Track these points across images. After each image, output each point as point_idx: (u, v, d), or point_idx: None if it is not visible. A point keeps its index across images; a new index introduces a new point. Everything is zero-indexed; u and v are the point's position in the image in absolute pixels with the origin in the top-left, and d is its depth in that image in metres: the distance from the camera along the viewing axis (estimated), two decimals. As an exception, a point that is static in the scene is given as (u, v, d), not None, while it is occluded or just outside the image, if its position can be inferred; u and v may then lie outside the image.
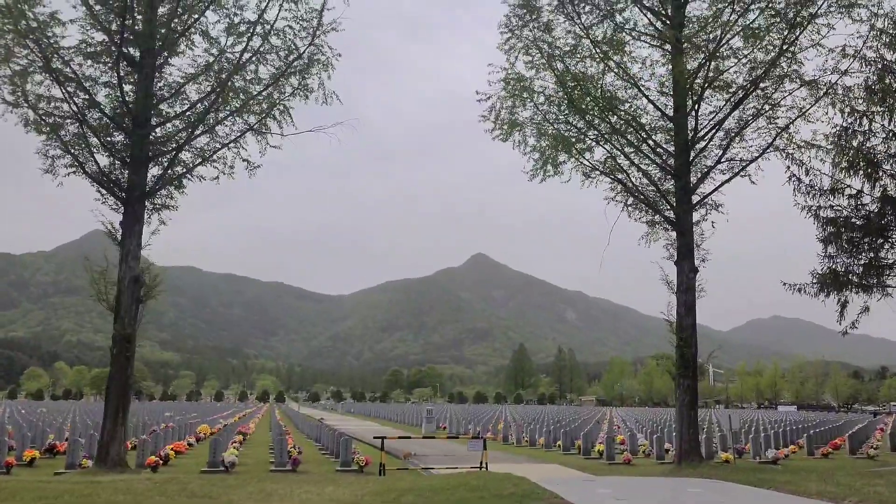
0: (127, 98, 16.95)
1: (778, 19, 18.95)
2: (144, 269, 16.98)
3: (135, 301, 16.68)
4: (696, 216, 20.52)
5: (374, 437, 27.66)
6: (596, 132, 20.66)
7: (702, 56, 19.90)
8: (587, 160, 20.90)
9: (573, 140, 20.70)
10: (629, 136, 20.52)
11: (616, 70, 20.41)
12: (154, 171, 18.08)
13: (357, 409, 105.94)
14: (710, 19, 19.86)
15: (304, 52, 18.73)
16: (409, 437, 23.99)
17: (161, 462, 20.62)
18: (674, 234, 20.24)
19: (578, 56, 20.44)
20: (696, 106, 20.11)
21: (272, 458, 22.72)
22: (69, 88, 16.25)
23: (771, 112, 19.93)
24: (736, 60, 19.87)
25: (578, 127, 20.68)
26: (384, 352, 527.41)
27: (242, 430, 33.87)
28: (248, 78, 18.73)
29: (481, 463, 18.34)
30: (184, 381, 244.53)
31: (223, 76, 18.05)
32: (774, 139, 19.89)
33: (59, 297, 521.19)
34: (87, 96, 16.63)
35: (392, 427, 53.84)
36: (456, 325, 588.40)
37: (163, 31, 17.32)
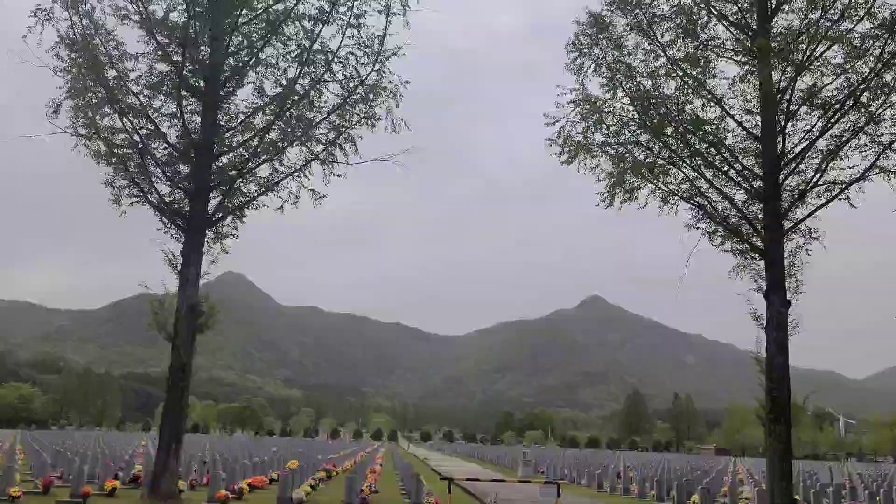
0: (189, 128, 17.28)
1: (878, 26, 17.13)
2: (203, 299, 17.01)
3: (191, 331, 16.72)
4: (789, 245, 18.64)
5: (467, 479, 26.74)
6: (674, 155, 19.26)
7: (792, 69, 18.25)
8: (664, 184, 19.49)
9: (649, 163, 19.40)
10: (711, 158, 18.99)
11: (697, 89, 19.05)
12: (216, 201, 18.29)
13: (463, 449, 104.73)
14: (801, 30, 18.24)
15: (365, 78, 18.57)
16: (504, 481, 22.82)
17: (232, 496, 20.55)
18: (762, 263, 18.42)
19: (656, 76, 19.27)
20: (786, 123, 18.39)
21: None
22: (132, 119, 16.71)
23: (873, 128, 17.93)
24: (830, 73, 18.07)
25: (653, 149, 19.38)
26: (498, 393, 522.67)
27: (328, 468, 33.65)
28: (312, 105, 18.72)
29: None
30: (302, 417, 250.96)
31: (286, 105, 18.09)
32: (878, 158, 17.85)
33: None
34: (152, 127, 17.05)
35: (492, 469, 52.57)
36: (570, 367, 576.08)
37: (227, 61, 17.61)
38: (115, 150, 16.80)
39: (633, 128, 19.38)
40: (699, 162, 19.06)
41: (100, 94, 16.58)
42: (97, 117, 16.80)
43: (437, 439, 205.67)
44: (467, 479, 26.26)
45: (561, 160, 19.39)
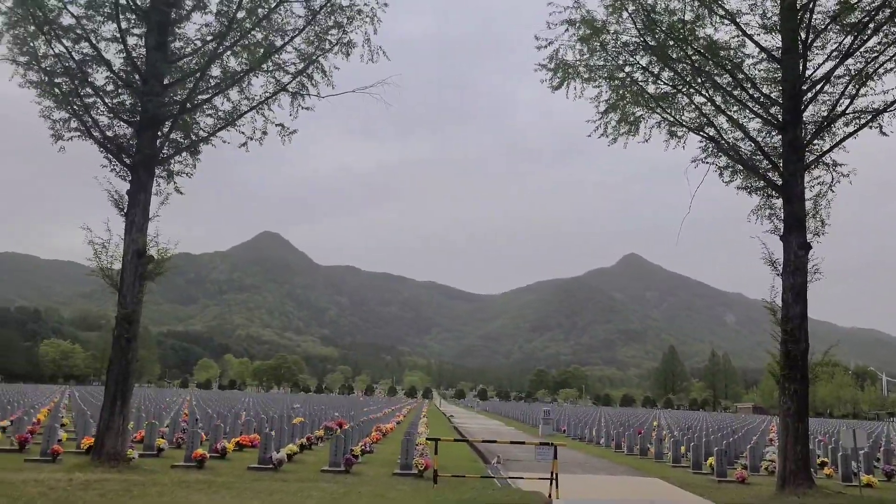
0: (133, 54, 15.59)
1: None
2: (151, 243, 15.51)
3: (138, 278, 15.24)
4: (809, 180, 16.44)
5: (484, 441, 25.36)
6: (682, 81, 17.02)
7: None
8: (670, 114, 17.30)
9: (655, 91, 17.22)
10: (723, 84, 16.72)
11: (710, 3, 16.71)
12: (174, 137, 16.68)
13: (492, 407, 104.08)
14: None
15: (330, -2, 16.59)
16: (523, 443, 21.24)
17: (210, 456, 19.32)
18: (779, 201, 16.26)
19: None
20: (809, 43, 16.03)
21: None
22: (68, 43, 15.08)
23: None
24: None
25: (659, 76, 17.15)
26: (534, 351, 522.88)
27: (330, 425, 32.47)
28: (274, 28, 16.84)
29: (552, 474, 15.40)
30: (337, 375, 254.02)
31: (232, 24, 16.23)
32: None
33: (232, 293, 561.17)
34: (94, 52, 15.39)
35: (516, 427, 51.27)
36: (607, 326, 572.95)
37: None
38: (52, 79, 15.18)
39: (636, 51, 17.15)
40: (709, 87, 16.80)
41: (38, 17, 14.90)
42: (36, 43, 15.19)
43: (471, 397, 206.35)
44: (482, 441, 24.88)
45: (552, 85, 17.26)
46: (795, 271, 15.68)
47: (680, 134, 17.57)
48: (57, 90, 15.47)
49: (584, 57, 17.27)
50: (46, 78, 15.22)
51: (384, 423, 38.34)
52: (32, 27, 15.16)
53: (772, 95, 16.73)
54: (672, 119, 17.39)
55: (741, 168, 17.09)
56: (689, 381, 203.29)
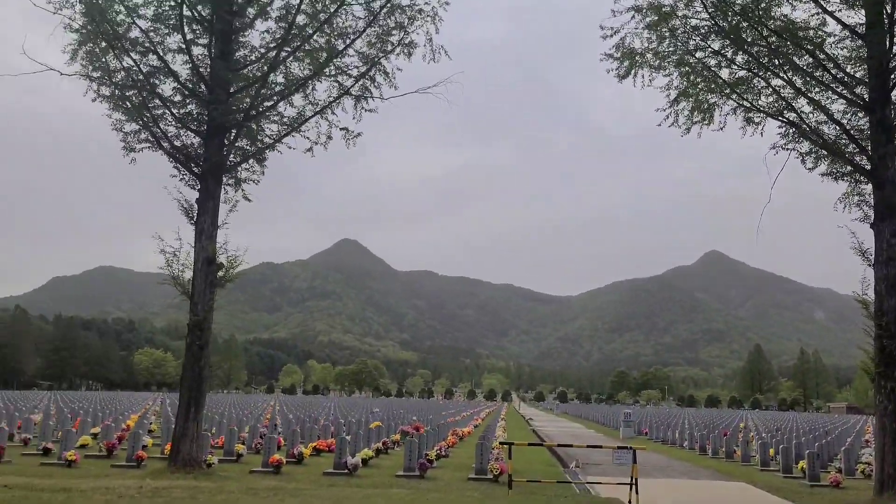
0: (197, 63, 15.87)
1: None
2: (220, 251, 15.72)
3: (208, 285, 15.47)
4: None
5: (559, 445, 24.93)
6: (758, 65, 16.12)
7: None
8: (747, 100, 16.41)
9: (731, 77, 16.38)
10: (802, 64, 15.75)
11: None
12: (241, 144, 16.91)
13: (572, 410, 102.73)
14: None
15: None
16: (600, 447, 20.72)
17: (286, 461, 19.49)
18: (868, 186, 15.20)
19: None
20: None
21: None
22: (136, 57, 15.46)
23: None
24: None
25: (734, 60, 16.29)
26: (613, 353, 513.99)
27: (407, 430, 32.42)
28: (335, 32, 16.85)
29: (631, 479, 14.82)
30: (417, 379, 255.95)
31: (292, 30, 16.30)
32: None
33: (314, 301, 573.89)
34: (160, 63, 15.73)
35: (596, 429, 50.31)
36: (689, 325, 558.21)
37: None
38: (123, 92, 15.60)
39: (707, 36, 16.35)
40: (788, 69, 15.84)
41: (108, 32, 15.33)
42: (107, 57, 15.63)
43: (551, 399, 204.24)
44: (558, 445, 24.45)
45: (618, 74, 16.64)
46: (889, 261, 14.59)
47: (757, 120, 16.65)
48: (128, 103, 15.88)
49: (652, 44, 16.58)
50: (118, 91, 15.65)
51: (461, 426, 38.10)
52: (103, 42, 15.60)
53: (856, 74, 15.67)
54: (749, 104, 16.49)
55: (825, 153, 16.06)
56: (778, 381, 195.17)
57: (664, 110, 16.76)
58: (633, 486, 14.13)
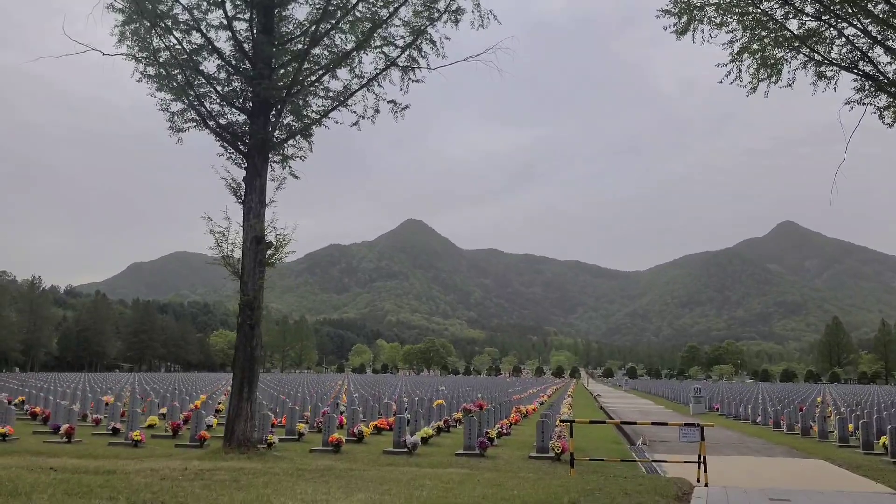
0: (241, 39, 15.58)
1: None
2: (269, 230, 15.49)
3: (258, 264, 15.27)
4: None
5: (622, 423, 24.25)
6: (828, 11, 14.83)
7: None
8: (819, 52, 15.14)
9: (801, 30, 15.13)
10: (878, 11, 14.39)
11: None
12: (287, 121, 16.62)
13: (642, 386, 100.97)
14: None
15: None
16: (665, 423, 19.90)
17: (346, 440, 19.40)
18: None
19: None
20: None
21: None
22: (178, 35, 15.25)
23: None
24: None
25: (803, 10, 15.03)
26: (684, 327, 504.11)
27: (469, 407, 32.08)
28: (376, 1, 16.29)
29: (699, 457, 14.05)
30: (484, 357, 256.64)
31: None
32: None
33: (381, 281, 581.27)
34: (203, 41, 15.51)
35: (665, 405, 49.13)
36: (763, 298, 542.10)
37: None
38: (169, 71, 15.43)
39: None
40: (862, 17, 14.50)
41: (150, 11, 15.16)
42: (150, 37, 15.49)
43: (620, 375, 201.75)
44: (622, 422, 23.65)
45: (675, 31, 15.56)
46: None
47: (830, 74, 15.35)
48: (173, 82, 15.73)
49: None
50: (163, 71, 15.50)
51: (526, 404, 37.54)
52: (147, 22, 15.45)
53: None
54: (820, 57, 15.22)
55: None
56: (857, 354, 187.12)
57: (725, 66, 15.63)
58: (702, 465, 13.35)
